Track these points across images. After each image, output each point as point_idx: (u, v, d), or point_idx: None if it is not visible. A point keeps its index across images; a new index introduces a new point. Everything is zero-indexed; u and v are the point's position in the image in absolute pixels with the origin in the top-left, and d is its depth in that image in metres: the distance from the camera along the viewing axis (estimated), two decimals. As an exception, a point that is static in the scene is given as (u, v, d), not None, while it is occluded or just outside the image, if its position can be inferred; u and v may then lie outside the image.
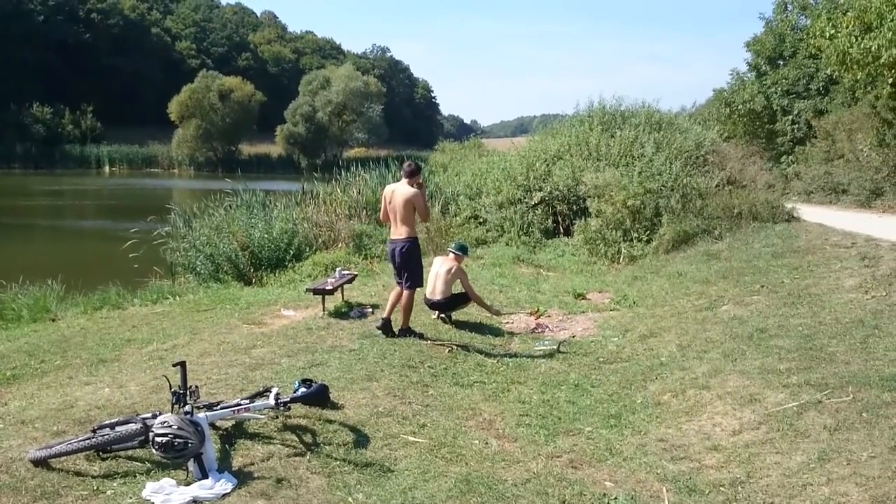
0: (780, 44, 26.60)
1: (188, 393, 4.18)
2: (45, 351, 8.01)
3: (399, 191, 7.70)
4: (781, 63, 27.01)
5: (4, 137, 68.19)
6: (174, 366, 4.29)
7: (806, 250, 10.67)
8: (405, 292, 7.82)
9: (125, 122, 77.40)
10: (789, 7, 26.80)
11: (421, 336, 7.81)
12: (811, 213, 14.81)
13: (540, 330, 8.87)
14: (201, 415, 4.08)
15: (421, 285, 7.98)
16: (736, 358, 6.27)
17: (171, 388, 4.22)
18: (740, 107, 26.30)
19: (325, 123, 75.59)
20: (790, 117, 25.39)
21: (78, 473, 3.88)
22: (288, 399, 4.62)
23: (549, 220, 16.59)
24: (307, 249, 14.28)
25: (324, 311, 8.90)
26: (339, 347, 7.18)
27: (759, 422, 4.90)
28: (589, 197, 15.34)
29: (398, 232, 7.73)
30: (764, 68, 27.35)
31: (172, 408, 4.16)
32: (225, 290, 11.89)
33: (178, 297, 11.37)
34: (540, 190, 16.77)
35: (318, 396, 4.98)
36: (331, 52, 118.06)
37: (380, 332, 7.69)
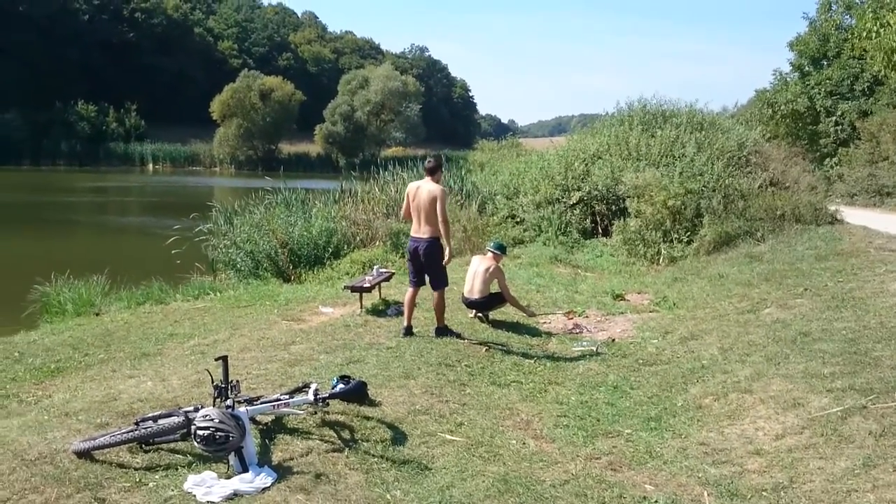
0: (823, 44, 26.09)
1: (229, 387, 4.22)
2: (88, 344, 8.17)
3: (424, 188, 7.56)
4: (825, 63, 26.49)
5: (50, 135, 69.68)
6: (216, 360, 4.34)
7: (850, 253, 10.46)
8: (435, 293, 7.77)
9: (168, 120, 78.63)
10: (834, 6, 26.26)
11: (458, 335, 7.79)
12: (855, 215, 14.50)
13: (578, 330, 8.80)
14: (242, 409, 4.12)
15: (446, 285, 7.88)
16: (779, 362, 6.15)
17: (212, 382, 4.28)
18: (783, 107, 25.86)
19: (364, 123, 76.05)
20: (834, 118, 24.90)
21: (121, 465, 3.95)
22: (327, 395, 4.65)
23: (588, 220, 16.46)
24: (345, 247, 14.38)
25: (361, 308, 8.94)
26: (376, 345, 7.21)
27: (802, 426, 4.80)
28: (628, 197, 15.19)
29: (422, 230, 7.57)
30: (807, 69, 26.86)
31: (214, 401, 4.21)
32: (264, 287, 12.02)
33: (218, 293, 11.52)
34: (578, 189, 16.64)
35: (356, 393, 5.00)
36: (370, 51, 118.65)
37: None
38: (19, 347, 8.06)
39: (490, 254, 8.96)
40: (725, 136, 17.80)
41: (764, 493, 4.10)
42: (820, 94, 25.40)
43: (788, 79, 27.85)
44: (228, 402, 4.11)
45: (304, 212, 14.92)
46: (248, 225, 14.52)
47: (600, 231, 16.37)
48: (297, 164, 71.85)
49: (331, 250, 13.82)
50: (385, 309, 9.02)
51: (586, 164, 17.36)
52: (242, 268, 13.70)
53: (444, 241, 7.62)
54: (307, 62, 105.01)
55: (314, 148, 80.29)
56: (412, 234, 7.74)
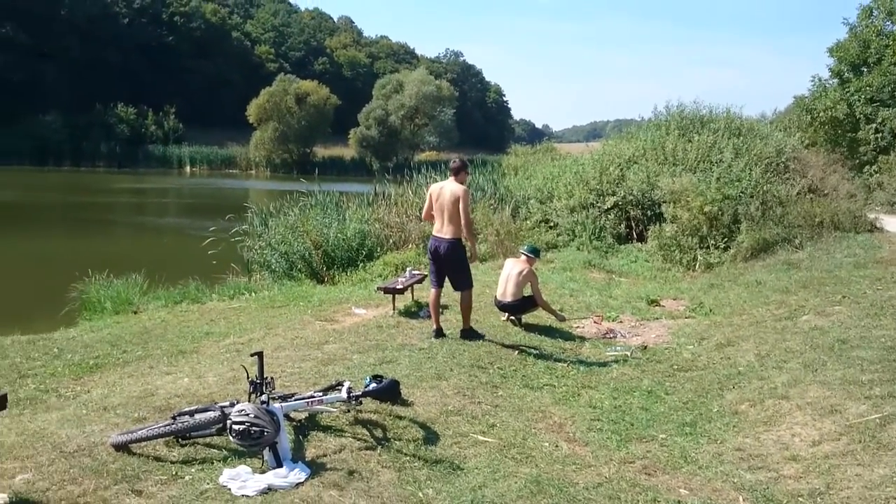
0: (864, 50, 25.57)
1: (264, 383, 4.26)
2: (126, 342, 8.30)
3: (447, 188, 7.53)
4: (865, 70, 25.96)
5: (90, 136, 70.86)
6: (251, 356, 4.38)
7: (889, 261, 10.29)
8: (462, 293, 7.74)
9: (205, 123, 79.66)
10: (875, 12, 25.75)
11: (483, 338, 7.75)
12: (895, 224, 14.22)
13: (611, 335, 8.73)
14: (277, 405, 4.15)
15: (471, 286, 7.85)
16: (816, 368, 6.05)
17: (248, 378, 4.32)
18: (822, 114, 25.41)
19: (398, 127, 76.32)
20: (874, 125, 24.39)
21: (157, 459, 4.00)
22: (360, 393, 4.67)
23: (622, 226, 16.33)
24: (378, 249, 14.44)
25: (394, 310, 8.97)
26: (408, 346, 7.22)
27: (839, 433, 4.72)
28: (664, 202, 15.04)
29: (444, 230, 7.51)
30: (847, 75, 26.35)
31: (249, 397, 4.25)
32: (298, 288, 12.12)
33: (253, 294, 11.64)
34: (613, 194, 16.52)
35: (389, 392, 5.01)
36: (404, 56, 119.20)
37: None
38: (58, 344, 8.21)
39: (523, 257, 8.94)
40: (763, 142, 17.56)
41: (800, 499, 4.03)
42: (860, 100, 24.90)
43: (827, 85, 27.35)
44: (263, 397, 4.14)
45: (338, 214, 15.02)
46: (283, 226, 14.67)
47: (635, 236, 16.22)
48: (331, 168, 72.27)
49: (364, 252, 13.89)
50: (417, 311, 9.03)
51: (621, 169, 17.24)
52: (277, 269, 13.83)
53: (466, 241, 7.61)
54: (342, 66, 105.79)
55: (348, 152, 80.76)
56: (434, 233, 7.70)
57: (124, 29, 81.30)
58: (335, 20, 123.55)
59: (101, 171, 65.11)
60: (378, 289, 9.40)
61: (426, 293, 10.23)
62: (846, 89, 25.63)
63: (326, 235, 13.75)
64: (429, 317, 8.71)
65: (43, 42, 70.27)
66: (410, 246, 14.96)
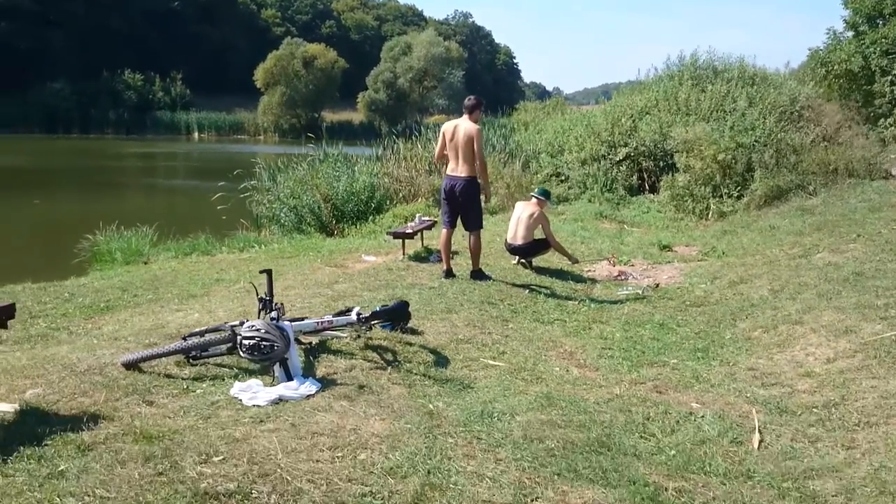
0: (880, 1, 25.00)
1: (273, 300, 4.24)
2: (137, 287, 8.28)
3: (461, 126, 7.39)
4: (881, 22, 25.39)
5: (98, 104, 70.49)
6: (261, 272, 4.36)
7: (904, 206, 10.14)
8: (471, 235, 7.68)
9: (213, 89, 79.18)
10: (892, -39, 25.09)
11: (492, 279, 7.69)
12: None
13: (623, 277, 8.67)
14: (286, 323, 4.13)
15: (481, 227, 7.79)
16: (831, 297, 5.99)
17: (257, 295, 4.29)
18: (836, 67, 24.94)
19: (406, 90, 75.66)
20: (889, 78, 23.92)
21: (168, 376, 3.99)
22: (369, 314, 4.64)
23: (634, 177, 16.19)
24: (387, 203, 14.39)
25: (404, 255, 8.93)
26: (418, 285, 7.19)
27: (854, 350, 4.67)
28: (677, 152, 14.87)
29: (459, 169, 7.40)
30: (862, 27, 25.80)
31: (259, 313, 4.23)
32: (308, 240, 12.09)
33: (263, 246, 11.63)
34: (625, 146, 16.35)
35: (398, 312, 4.98)
36: (413, 18, 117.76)
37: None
38: (69, 290, 8.19)
39: (534, 199, 8.86)
40: (777, 91, 17.29)
41: (815, 410, 4.00)
42: (875, 53, 24.41)
43: (842, 38, 26.82)
44: (273, 313, 4.12)
45: (347, 168, 14.93)
46: (292, 181, 14.61)
47: (647, 188, 16.09)
48: (339, 133, 71.45)
49: (373, 205, 13.84)
50: (427, 256, 8.99)
51: (633, 120, 17.03)
52: (286, 223, 13.80)
53: (481, 181, 7.52)
54: (350, 30, 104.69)
55: (357, 116, 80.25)
56: (448, 172, 7.59)
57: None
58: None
59: (109, 138, 64.90)
60: (388, 233, 9.37)
61: (436, 239, 10.22)
62: (861, 41, 25.12)
63: (336, 188, 13.68)
64: (439, 261, 8.66)
65: (49, 9, 69.62)
66: (420, 199, 14.90)
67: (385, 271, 8.02)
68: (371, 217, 13.46)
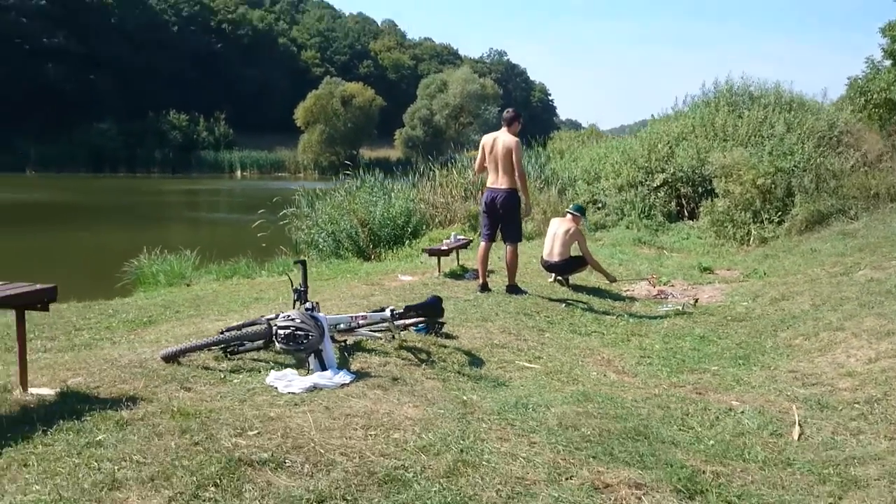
0: (920, 28, 24.65)
1: (308, 292, 4.28)
2: (179, 304, 8.42)
3: (500, 139, 7.46)
4: (922, 50, 25.01)
5: (144, 143, 72.33)
6: (295, 264, 4.41)
7: (950, 230, 9.92)
8: (508, 247, 7.67)
9: (255, 128, 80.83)
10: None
11: (528, 294, 7.66)
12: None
13: (662, 296, 8.57)
14: (321, 314, 4.16)
15: (520, 239, 7.79)
16: (873, 306, 5.85)
17: (292, 287, 4.34)
18: (875, 96, 24.60)
19: (443, 126, 76.45)
20: (929, 106, 23.49)
21: (206, 368, 4.04)
22: (402, 309, 4.64)
23: (673, 203, 16.05)
24: (423, 228, 14.48)
25: (439, 272, 8.96)
26: (454, 297, 7.19)
27: (897, 351, 4.54)
28: (715, 177, 14.73)
29: (499, 181, 7.44)
30: (902, 55, 25.43)
31: (294, 304, 4.27)
32: (345, 264, 12.21)
33: (302, 269, 11.74)
34: (662, 171, 16.25)
35: (432, 307, 4.97)
36: (448, 57, 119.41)
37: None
38: (113, 307, 8.36)
39: (569, 216, 8.83)
40: (815, 117, 17.10)
41: (856, 406, 3.90)
42: (916, 82, 24.03)
43: (880, 67, 26.48)
44: (308, 304, 4.16)
45: (383, 194, 15.09)
46: (330, 206, 14.81)
47: (686, 214, 15.94)
48: (377, 169, 72.58)
49: (410, 230, 13.94)
50: (462, 273, 9.01)
51: (670, 146, 16.95)
52: (324, 248, 13.97)
53: (521, 193, 7.55)
54: (387, 69, 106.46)
55: (394, 153, 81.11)
56: (489, 185, 7.65)
57: (175, 37, 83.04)
58: (379, 24, 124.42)
59: (155, 177, 66.48)
60: (423, 250, 9.41)
61: (472, 260, 10.23)
62: (901, 70, 24.77)
63: (373, 213, 13.83)
64: (474, 278, 8.66)
65: (95, 51, 72.20)
66: (456, 225, 14.97)
67: (421, 286, 8.05)
68: (408, 241, 13.56)
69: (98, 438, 2.80)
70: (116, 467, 2.55)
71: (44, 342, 5.60)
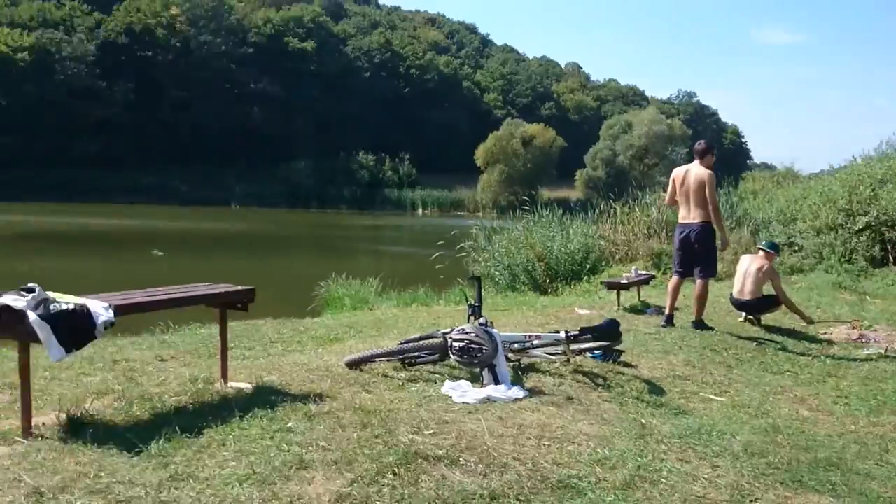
0: None
1: (482, 307, 4.34)
2: (363, 326, 8.84)
3: (692, 171, 7.24)
4: None
5: (335, 181, 77.35)
6: (469, 279, 4.48)
7: None
8: (700, 281, 7.35)
9: (436, 168, 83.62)
10: None
11: (715, 330, 7.28)
12: None
13: (863, 340, 7.84)
14: (495, 330, 4.20)
15: (715, 274, 7.45)
16: None
17: (467, 302, 4.41)
18: None
19: (626, 167, 75.16)
20: None
21: (385, 376, 4.20)
22: (577, 332, 4.56)
23: (876, 248, 14.74)
24: (603, 265, 14.23)
25: (619, 307, 8.75)
26: (634, 329, 7.00)
27: None
28: (926, 221, 13.39)
29: (691, 215, 7.21)
30: None
31: (468, 319, 4.34)
32: (521, 297, 12.24)
33: (478, 300, 11.92)
34: (865, 214, 14.99)
35: (608, 331, 4.84)
36: (633, 98, 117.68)
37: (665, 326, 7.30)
38: (304, 325, 8.94)
39: (762, 252, 8.35)
40: None
41: None
42: None
43: None
44: (482, 319, 4.21)
45: (561, 229, 15.02)
46: (507, 240, 14.94)
47: (891, 259, 14.57)
48: (556, 209, 72.47)
49: (588, 266, 13.74)
50: (643, 309, 8.74)
51: (873, 188, 15.63)
52: (500, 280, 14.07)
53: (715, 227, 7.27)
54: (569, 111, 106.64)
55: (574, 193, 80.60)
56: (680, 220, 7.43)
57: (366, 82, 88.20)
58: (562, 66, 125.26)
59: (343, 212, 70.53)
60: (602, 283, 9.25)
61: (655, 299, 9.91)
62: None
63: (550, 248, 13.79)
64: (655, 314, 8.39)
65: (294, 96, 78.46)
66: (639, 261, 14.58)
67: (598, 319, 7.87)
68: (586, 277, 13.37)
69: (289, 426, 2.98)
70: (304, 451, 2.70)
71: (242, 351, 6.05)
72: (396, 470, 2.57)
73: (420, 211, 79.28)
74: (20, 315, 3.14)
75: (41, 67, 63.58)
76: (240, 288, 3.85)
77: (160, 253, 22.76)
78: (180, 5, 78.84)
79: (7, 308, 3.18)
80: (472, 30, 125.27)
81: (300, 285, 17.06)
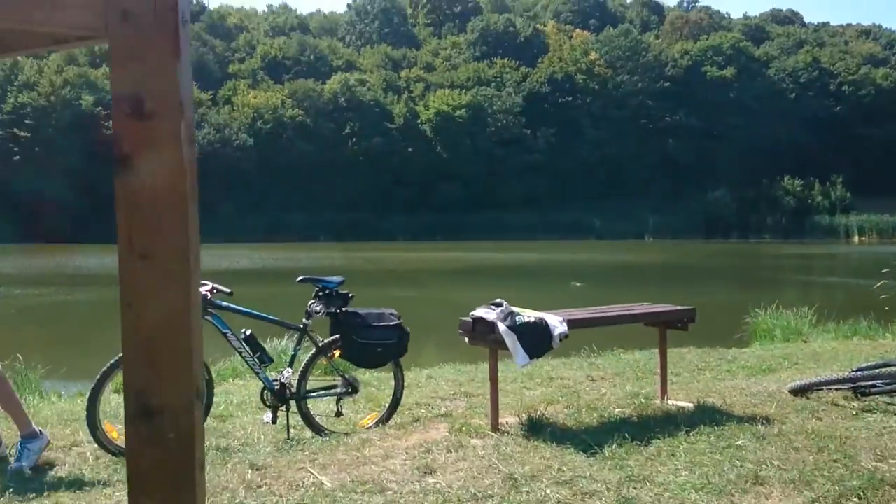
0: None
1: None
2: (798, 357, 8.44)
3: None
4: None
5: (757, 209, 73.25)
6: None
7: None
8: None
9: (875, 191, 74.30)
10: None
11: None
12: None
13: None
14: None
15: None
16: None
17: None
18: None
19: None
20: None
21: (835, 404, 4.00)
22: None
23: None
24: None
25: None
26: None
27: None
28: None
29: None
30: None
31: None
32: None
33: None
34: None
35: None
36: None
37: None
38: (731, 354, 8.81)
39: None
40: None
41: None
42: None
43: None
44: None
45: None
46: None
47: None
48: None
49: None
50: None
51: None
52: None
53: None
54: None
55: None
56: None
57: (791, 104, 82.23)
58: None
59: (766, 242, 66.49)
60: None
61: None
62: None
63: None
64: None
65: (713, 125, 76.49)
66: None
67: None
68: None
69: (738, 443, 3.06)
70: (758, 468, 2.76)
71: (671, 376, 6.19)
72: (862, 494, 2.48)
73: (856, 238, 71.28)
74: (491, 325, 3.74)
75: (475, 121, 72.05)
76: (681, 308, 4.02)
77: (578, 284, 23.93)
78: (598, 49, 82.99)
79: (480, 319, 3.81)
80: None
81: (721, 316, 16.58)
